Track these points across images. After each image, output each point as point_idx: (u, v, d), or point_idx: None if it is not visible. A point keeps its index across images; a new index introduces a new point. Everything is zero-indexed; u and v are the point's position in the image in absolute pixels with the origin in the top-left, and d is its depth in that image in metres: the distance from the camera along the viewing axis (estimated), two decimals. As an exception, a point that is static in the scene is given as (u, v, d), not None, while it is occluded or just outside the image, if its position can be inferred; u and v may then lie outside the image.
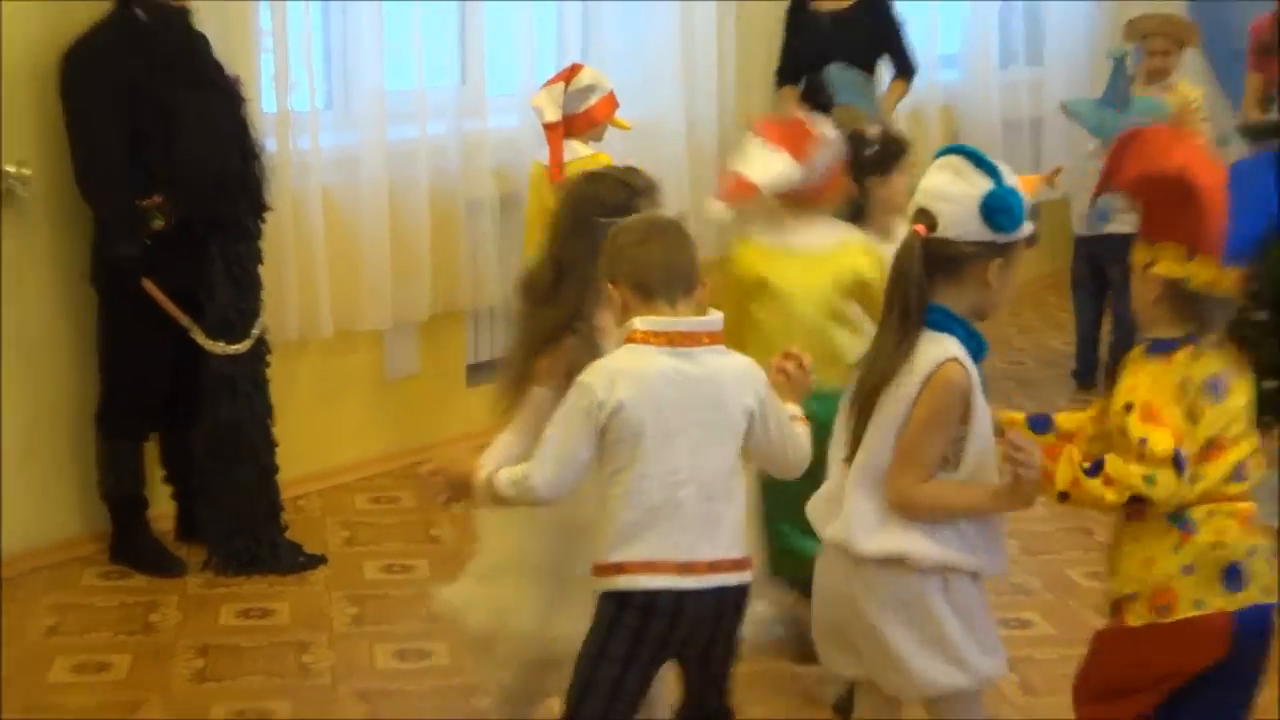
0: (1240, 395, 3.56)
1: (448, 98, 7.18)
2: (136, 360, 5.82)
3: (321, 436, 6.76)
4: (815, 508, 3.71)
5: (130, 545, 5.93)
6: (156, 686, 5.02)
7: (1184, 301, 3.51)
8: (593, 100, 6.57)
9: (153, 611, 5.58)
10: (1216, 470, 3.51)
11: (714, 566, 3.48)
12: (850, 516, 3.54)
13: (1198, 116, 8.06)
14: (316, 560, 6.02)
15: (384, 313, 6.86)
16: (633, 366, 3.45)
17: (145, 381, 5.86)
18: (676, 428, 3.45)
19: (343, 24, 6.78)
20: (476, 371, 7.47)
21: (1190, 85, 8.33)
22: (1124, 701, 3.65)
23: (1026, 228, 3.51)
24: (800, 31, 7.56)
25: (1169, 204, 3.49)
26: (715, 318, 3.55)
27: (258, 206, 5.92)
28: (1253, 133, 7.14)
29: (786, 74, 7.87)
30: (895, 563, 3.49)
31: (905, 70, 7.77)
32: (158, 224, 5.66)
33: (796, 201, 4.99)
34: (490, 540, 4.05)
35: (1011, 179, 3.50)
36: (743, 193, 5.01)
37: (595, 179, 4.06)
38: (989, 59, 10.39)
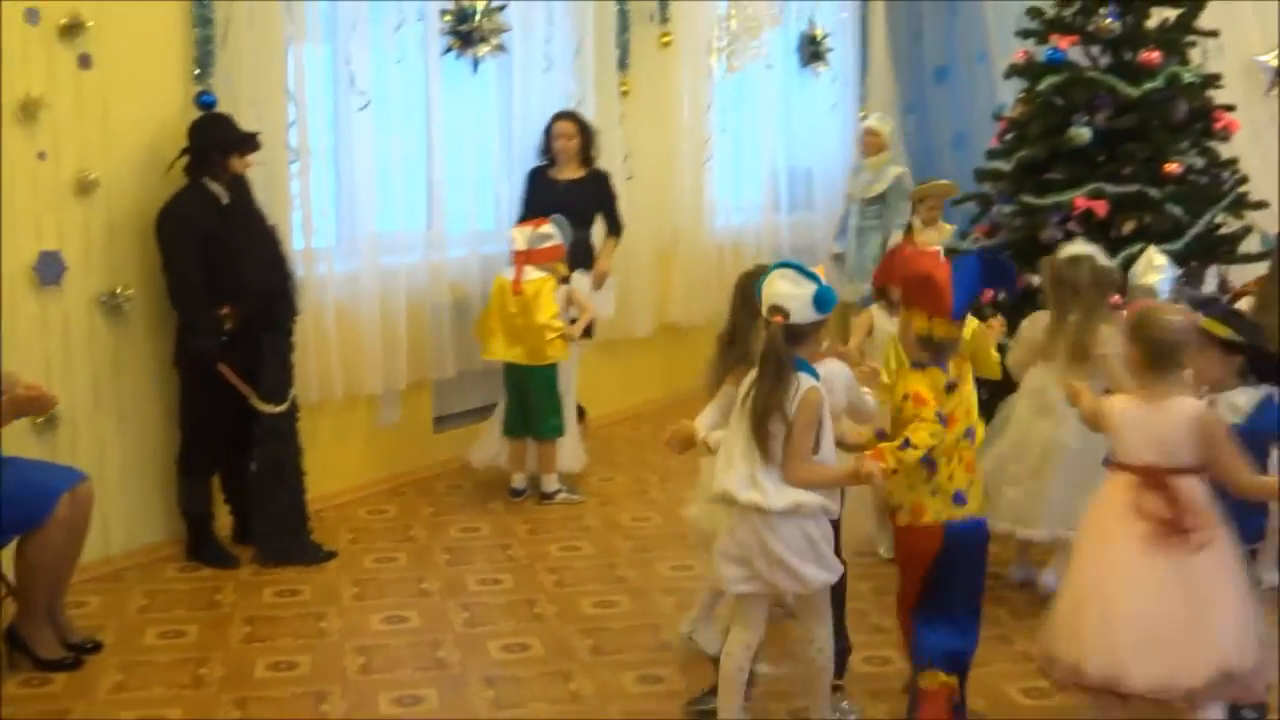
0: (964, 388, 4.09)
1: (418, 238, 7.25)
2: (207, 419, 5.87)
3: (335, 467, 6.76)
4: (728, 483, 3.97)
5: (201, 547, 5.95)
6: (219, 646, 5.05)
7: (930, 343, 4.03)
8: (548, 244, 6.64)
9: (216, 593, 5.61)
10: (953, 434, 4.01)
11: None
12: (763, 486, 3.91)
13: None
14: (331, 555, 6.04)
15: (376, 381, 6.88)
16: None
17: (213, 434, 5.90)
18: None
19: (350, 187, 6.81)
20: (440, 422, 7.54)
21: (946, 225, 8.33)
22: (905, 573, 4.19)
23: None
24: (538, 191, 7.26)
25: (918, 288, 4.05)
26: None
27: (292, 312, 5.98)
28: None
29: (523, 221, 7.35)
30: (792, 510, 3.90)
31: (615, 229, 7.40)
32: (229, 325, 5.71)
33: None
34: (707, 478, 4.28)
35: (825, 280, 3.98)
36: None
37: (751, 274, 4.28)
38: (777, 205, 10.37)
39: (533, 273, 6.61)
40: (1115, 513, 3.90)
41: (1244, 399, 4.35)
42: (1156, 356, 3.89)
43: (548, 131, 7.32)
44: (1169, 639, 3.74)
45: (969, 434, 4.10)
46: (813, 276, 3.92)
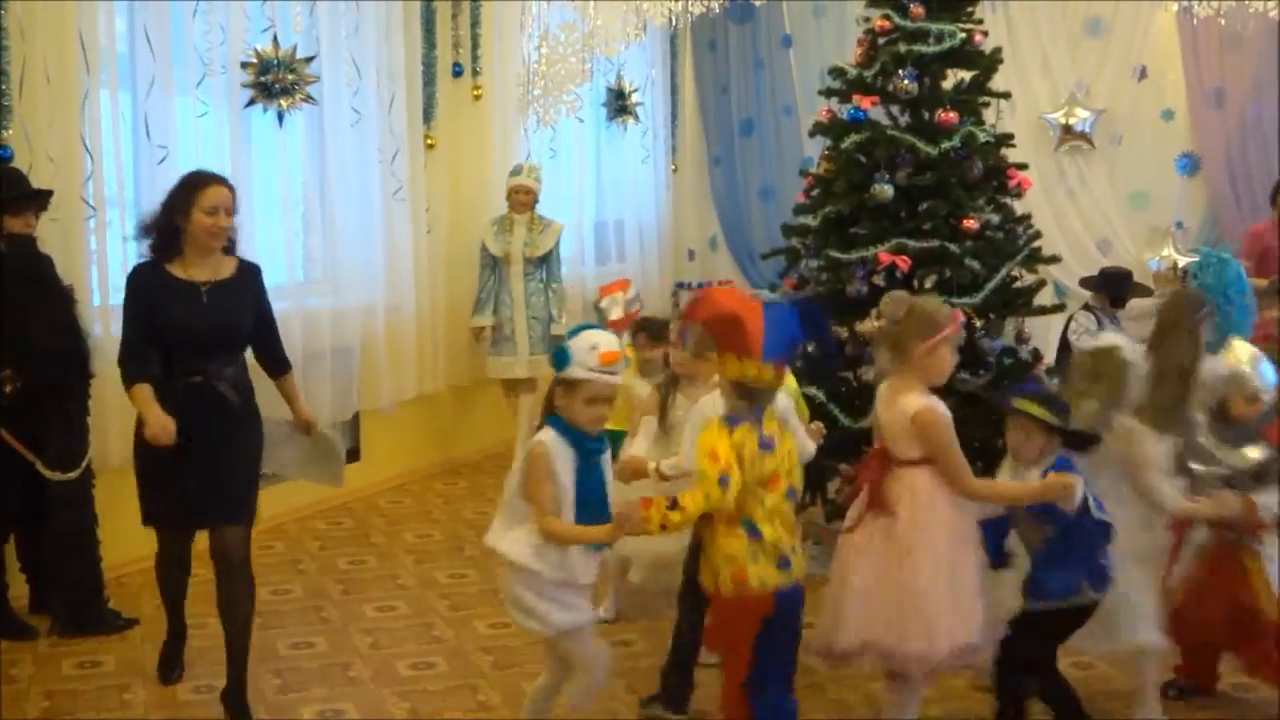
0: (785, 447, 4.02)
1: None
2: (-4, 485, 5.70)
3: (139, 532, 6.52)
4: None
5: (-6, 617, 5.79)
6: (14, 723, 4.91)
7: (743, 389, 3.94)
8: (634, 309, 6.62)
9: (13, 667, 5.41)
10: (775, 494, 3.94)
11: None
12: (497, 528, 4.16)
13: None
14: (133, 622, 5.90)
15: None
16: None
17: (1, 500, 5.69)
18: None
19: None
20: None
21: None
22: (732, 648, 4.07)
23: (576, 371, 4.05)
24: None
25: (724, 328, 3.94)
26: None
27: (85, 375, 5.82)
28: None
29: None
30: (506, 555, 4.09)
31: None
32: (8, 389, 5.54)
33: None
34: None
35: (582, 341, 4.10)
36: None
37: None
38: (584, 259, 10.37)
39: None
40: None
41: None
42: (893, 343, 4.37)
43: None
44: (883, 616, 4.27)
45: (790, 494, 4.04)
46: (574, 332, 4.16)
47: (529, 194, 8.59)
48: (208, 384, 4.72)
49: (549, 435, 4.03)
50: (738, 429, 3.91)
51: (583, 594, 4.18)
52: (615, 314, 6.53)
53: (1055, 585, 4.36)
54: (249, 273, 4.93)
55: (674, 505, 3.81)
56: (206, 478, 4.73)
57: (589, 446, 4.08)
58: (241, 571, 4.88)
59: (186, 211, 4.69)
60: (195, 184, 4.74)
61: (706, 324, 4.08)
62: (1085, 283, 8.62)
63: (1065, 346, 8.11)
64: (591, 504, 4.05)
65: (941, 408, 4.30)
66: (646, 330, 6.03)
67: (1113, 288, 8.33)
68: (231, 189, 4.80)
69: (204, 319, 4.71)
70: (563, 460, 4.01)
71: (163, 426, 4.59)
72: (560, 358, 4.06)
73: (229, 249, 4.87)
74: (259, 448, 4.99)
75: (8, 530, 5.83)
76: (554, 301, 8.57)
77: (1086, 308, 8.26)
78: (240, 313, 4.85)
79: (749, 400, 3.97)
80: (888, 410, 4.37)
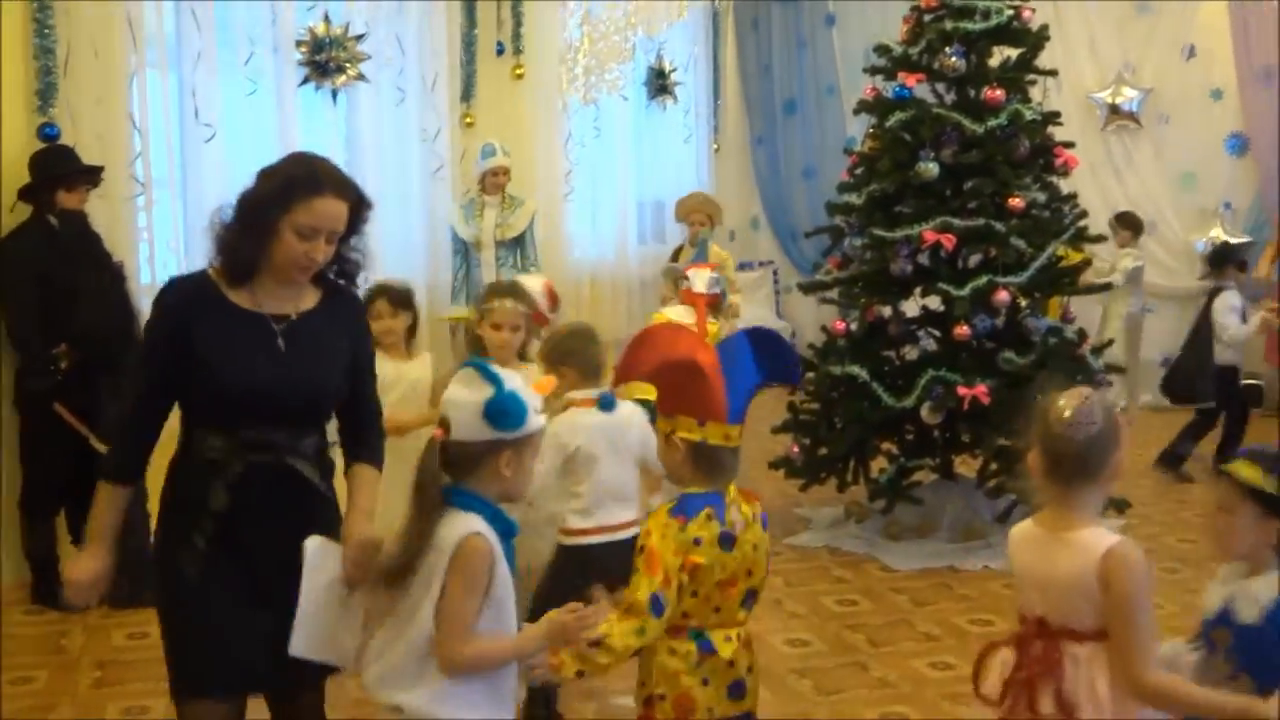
0: (748, 542, 2.97)
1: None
2: (47, 460, 5.77)
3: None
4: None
5: (47, 590, 5.81)
6: (68, 693, 4.90)
7: (704, 456, 2.96)
8: (715, 290, 6.38)
9: (64, 638, 5.47)
10: (732, 600, 2.96)
11: None
12: (373, 668, 2.83)
13: (730, 271, 7.88)
14: (181, 596, 5.86)
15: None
16: None
17: (54, 475, 5.79)
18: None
19: (198, 220, 6.67)
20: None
21: (720, 249, 8.15)
22: None
23: (535, 422, 2.84)
24: None
25: (678, 382, 2.97)
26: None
27: (135, 351, 5.88)
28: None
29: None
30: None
31: None
32: (63, 365, 5.64)
33: None
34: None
35: (513, 385, 2.80)
36: None
37: None
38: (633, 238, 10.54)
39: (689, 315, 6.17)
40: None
41: (1265, 588, 2.88)
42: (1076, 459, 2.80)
43: None
44: None
45: (749, 599, 3.03)
46: (494, 379, 2.79)
47: (508, 174, 8.04)
48: (281, 464, 3.03)
49: (480, 524, 2.77)
50: (693, 520, 2.91)
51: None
52: (699, 286, 6.42)
53: None
54: (342, 304, 3.20)
55: (597, 643, 2.83)
56: (277, 613, 2.96)
57: (512, 528, 2.89)
58: None
59: (272, 222, 2.96)
60: (299, 183, 2.98)
61: (656, 379, 3.02)
62: (1214, 258, 8.74)
63: (1203, 325, 8.32)
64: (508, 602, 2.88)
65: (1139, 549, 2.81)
66: (387, 296, 5.01)
67: (1238, 258, 8.55)
68: (353, 199, 3.05)
69: (278, 372, 3.02)
70: (503, 563, 2.82)
71: (82, 580, 3.09)
72: (513, 415, 2.78)
73: (340, 280, 3.22)
74: None
75: (59, 504, 5.93)
76: None
77: (1216, 287, 8.37)
78: (331, 364, 3.13)
79: (710, 472, 2.98)
80: (1046, 557, 2.84)
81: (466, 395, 2.78)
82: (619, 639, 2.82)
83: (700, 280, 6.30)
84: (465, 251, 8.05)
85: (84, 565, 3.09)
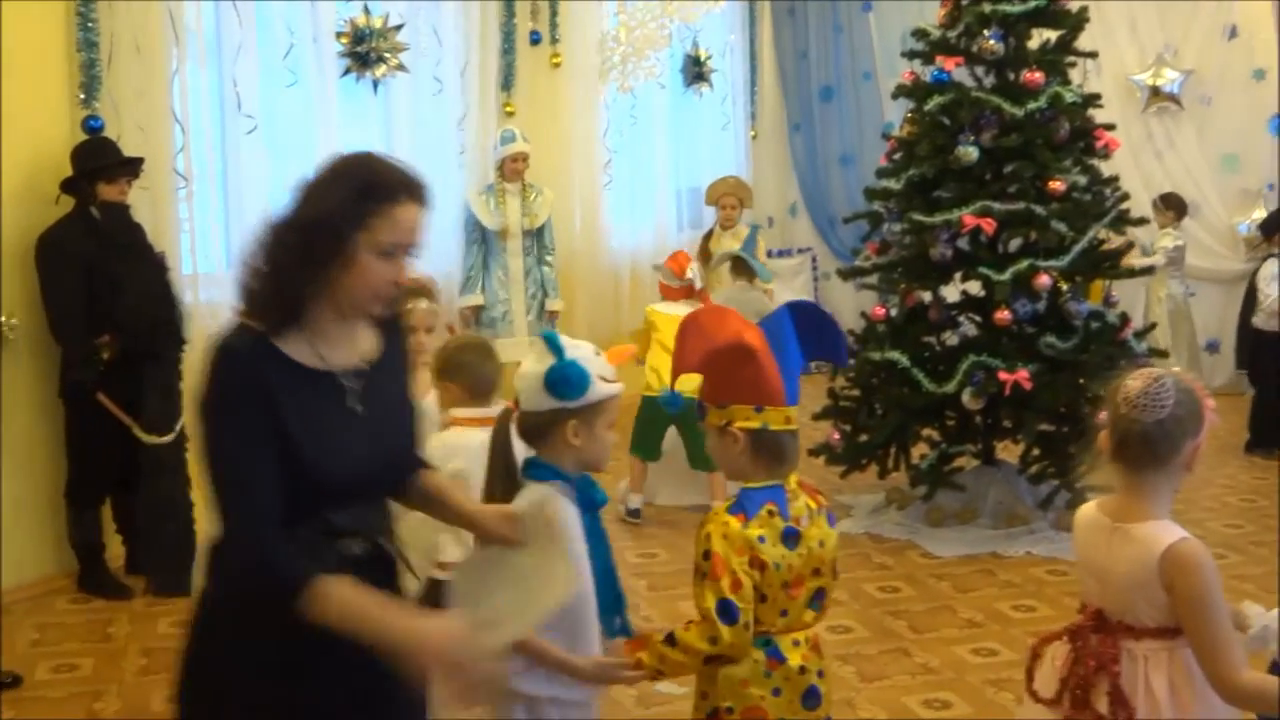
0: (813, 538, 2.82)
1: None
2: (92, 450, 5.83)
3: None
4: None
5: (92, 578, 5.91)
6: (114, 680, 4.96)
7: (764, 444, 2.79)
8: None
9: (110, 625, 5.53)
10: (798, 602, 2.79)
11: None
12: None
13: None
14: (226, 584, 5.87)
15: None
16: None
17: (98, 465, 5.86)
18: None
19: (239, 211, 6.80)
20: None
21: (742, 228, 8.67)
22: None
23: (601, 389, 2.81)
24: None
25: (731, 369, 2.79)
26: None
27: (178, 341, 5.95)
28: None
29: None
30: None
31: None
32: (107, 355, 5.69)
33: None
34: None
35: (576, 354, 2.79)
36: None
37: None
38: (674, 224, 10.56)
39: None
40: None
41: None
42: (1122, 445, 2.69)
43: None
44: None
45: (817, 599, 2.86)
46: (556, 349, 2.80)
47: (527, 160, 7.92)
48: (375, 550, 2.48)
49: (550, 492, 2.78)
50: (754, 517, 2.74)
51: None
52: (700, 283, 6.61)
53: None
54: (394, 334, 2.57)
55: (670, 639, 2.75)
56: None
57: (597, 498, 2.91)
58: None
59: (346, 245, 2.32)
60: (372, 191, 2.35)
61: (704, 368, 2.84)
62: (1266, 225, 8.85)
63: (1251, 294, 8.47)
64: (607, 582, 2.91)
65: (1204, 547, 2.66)
66: (428, 296, 4.66)
67: None
68: (426, 201, 2.45)
69: (365, 444, 2.40)
70: (578, 531, 2.80)
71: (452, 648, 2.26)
72: (574, 383, 2.78)
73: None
74: None
75: (105, 493, 5.99)
76: (548, 277, 8.04)
77: (1267, 255, 8.49)
78: (408, 418, 2.60)
79: (774, 461, 2.81)
80: (1106, 547, 2.72)
81: (531, 366, 2.82)
82: (691, 643, 2.70)
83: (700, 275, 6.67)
84: (482, 239, 7.99)
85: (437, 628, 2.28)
